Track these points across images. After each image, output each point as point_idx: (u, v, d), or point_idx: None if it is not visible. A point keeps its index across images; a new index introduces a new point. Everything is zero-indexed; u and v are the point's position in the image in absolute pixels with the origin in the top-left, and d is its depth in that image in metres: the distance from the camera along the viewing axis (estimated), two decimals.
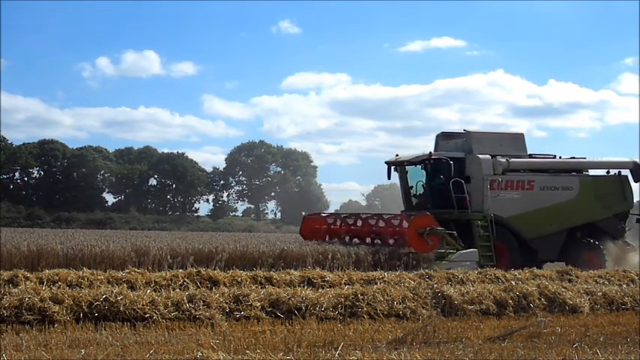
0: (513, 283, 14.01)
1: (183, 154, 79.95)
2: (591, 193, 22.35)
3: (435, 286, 12.98)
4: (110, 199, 77.02)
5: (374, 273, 14.54)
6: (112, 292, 10.60)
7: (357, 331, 10.21)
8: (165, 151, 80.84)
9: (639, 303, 13.93)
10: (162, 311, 10.44)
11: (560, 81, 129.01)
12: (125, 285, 11.56)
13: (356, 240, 19.72)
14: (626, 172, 23.07)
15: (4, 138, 73.34)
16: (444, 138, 22.58)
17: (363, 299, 11.71)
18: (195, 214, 78.15)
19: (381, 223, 19.59)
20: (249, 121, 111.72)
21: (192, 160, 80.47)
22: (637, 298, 14.08)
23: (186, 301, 10.77)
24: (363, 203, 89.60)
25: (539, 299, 13.10)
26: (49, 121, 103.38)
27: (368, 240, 19.48)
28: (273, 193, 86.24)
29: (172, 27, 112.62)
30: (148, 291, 11.07)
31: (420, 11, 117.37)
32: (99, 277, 12.24)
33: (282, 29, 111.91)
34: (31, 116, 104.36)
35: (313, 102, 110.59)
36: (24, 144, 73.95)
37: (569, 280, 15.77)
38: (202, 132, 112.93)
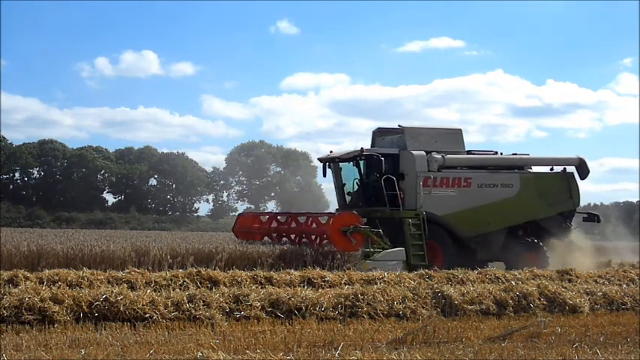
0: (513, 283, 14.03)
1: (183, 154, 79.91)
2: (533, 190, 21.65)
3: (435, 286, 13.00)
4: (110, 199, 76.91)
5: (374, 273, 14.55)
6: (112, 292, 10.61)
7: (357, 331, 10.21)
8: (165, 151, 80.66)
9: (639, 303, 13.94)
10: (162, 311, 10.45)
11: (558, 81, 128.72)
12: (125, 285, 11.55)
13: (277, 238, 19.27)
14: (571, 169, 22.43)
15: (4, 138, 73.19)
16: (380, 134, 22.00)
17: (363, 299, 11.72)
18: (195, 214, 78.11)
19: (310, 222, 19.14)
20: (248, 121, 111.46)
21: (192, 160, 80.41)
22: (637, 298, 14.09)
23: (186, 301, 10.78)
24: None
25: (539, 299, 13.11)
26: (48, 121, 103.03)
27: (296, 239, 19.02)
28: (273, 193, 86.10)
29: (171, 27, 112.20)
30: (148, 291, 11.08)
31: (418, 11, 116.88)
32: (99, 277, 12.24)
33: (280, 29, 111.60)
34: (30, 116, 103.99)
35: (312, 102, 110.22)
36: (24, 144, 73.79)
37: (569, 280, 15.79)
38: (202, 132, 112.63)
